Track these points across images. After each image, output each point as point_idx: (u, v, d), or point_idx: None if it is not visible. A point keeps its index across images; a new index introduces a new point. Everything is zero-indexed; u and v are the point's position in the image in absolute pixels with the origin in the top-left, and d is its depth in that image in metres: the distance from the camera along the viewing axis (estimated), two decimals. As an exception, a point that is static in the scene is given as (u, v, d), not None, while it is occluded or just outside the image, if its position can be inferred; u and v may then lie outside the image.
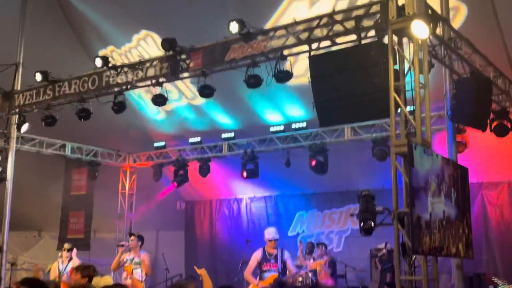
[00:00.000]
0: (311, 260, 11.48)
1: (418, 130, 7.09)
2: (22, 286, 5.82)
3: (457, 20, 9.33)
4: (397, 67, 6.93)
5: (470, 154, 9.97)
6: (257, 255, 9.01)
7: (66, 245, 10.83)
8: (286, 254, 8.90)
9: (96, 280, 6.11)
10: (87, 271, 6.18)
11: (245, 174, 12.67)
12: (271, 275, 8.72)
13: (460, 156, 8.83)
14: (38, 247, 15.98)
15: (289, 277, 8.58)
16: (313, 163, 11.58)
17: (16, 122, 11.10)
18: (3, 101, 10.97)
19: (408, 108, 7.67)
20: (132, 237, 10.06)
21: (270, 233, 9.11)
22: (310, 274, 11.01)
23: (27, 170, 13.20)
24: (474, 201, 10.98)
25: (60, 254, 10.87)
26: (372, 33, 7.31)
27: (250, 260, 9.04)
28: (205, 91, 8.81)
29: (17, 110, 10.87)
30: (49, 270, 10.60)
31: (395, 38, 6.89)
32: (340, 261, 11.78)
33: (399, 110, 7.68)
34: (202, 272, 5.99)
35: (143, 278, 9.47)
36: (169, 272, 13.61)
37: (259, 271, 8.91)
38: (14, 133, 11.56)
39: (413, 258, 7.05)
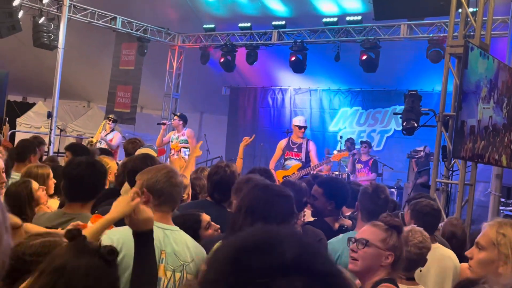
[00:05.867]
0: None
1: (477, 32, 6.75)
2: (67, 151, 6.10)
3: None
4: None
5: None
6: (281, 144, 8.92)
7: (111, 116, 11.16)
8: (311, 145, 8.74)
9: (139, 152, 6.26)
10: None
11: (293, 58, 12.37)
12: (294, 165, 8.64)
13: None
14: (86, 117, 16.56)
15: (313, 167, 8.49)
16: (364, 57, 11.24)
17: (69, -10, 11.06)
18: (56, -33, 10.88)
19: (471, 9, 7.27)
20: (175, 117, 10.27)
21: (300, 120, 9.01)
22: (347, 170, 11.10)
23: (78, 40, 13.37)
24: (525, 113, 10.60)
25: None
26: None
27: (276, 150, 9.03)
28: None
29: (69, -23, 10.78)
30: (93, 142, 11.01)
31: None
32: (378, 160, 11.79)
33: (460, 10, 7.29)
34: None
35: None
36: (210, 153, 14.00)
37: (283, 161, 8.90)
38: (66, 1, 11.58)
39: (452, 162, 7.00)
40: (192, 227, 3.20)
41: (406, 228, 3.08)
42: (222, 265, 0.82)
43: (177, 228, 2.78)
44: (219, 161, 4.48)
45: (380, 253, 2.57)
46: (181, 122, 10.07)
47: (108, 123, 10.67)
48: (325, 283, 0.77)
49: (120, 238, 2.52)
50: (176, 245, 2.68)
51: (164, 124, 10.56)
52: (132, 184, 2.97)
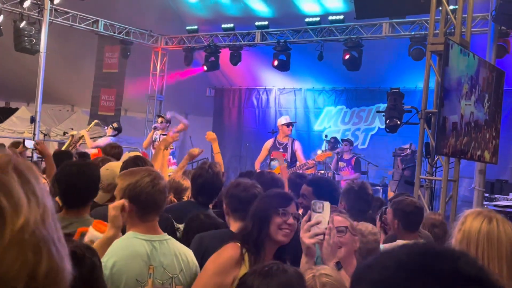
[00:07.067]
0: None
1: (457, 29, 6.83)
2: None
3: None
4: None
5: (510, 60, 9.60)
6: (267, 144, 9.02)
7: (114, 124, 10.94)
8: (297, 144, 8.83)
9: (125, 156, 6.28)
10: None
11: (276, 62, 12.44)
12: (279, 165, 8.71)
13: (499, 61, 8.52)
14: (70, 121, 16.44)
15: (299, 166, 8.54)
16: (347, 56, 11.31)
17: (49, -7, 10.99)
18: (36, -29, 10.80)
19: (451, 7, 7.35)
20: (160, 119, 10.22)
21: (286, 118, 9.11)
22: (332, 168, 11.13)
23: (60, 44, 13.28)
24: (507, 107, 10.72)
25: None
26: None
27: (262, 150, 9.10)
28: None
29: (50, -19, 10.71)
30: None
31: None
32: (363, 158, 11.85)
33: (440, 8, 7.37)
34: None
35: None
36: (196, 155, 13.96)
37: (269, 161, 8.97)
38: (47, 5, 11.50)
39: (436, 159, 7.06)
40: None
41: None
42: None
43: (166, 236, 2.70)
44: (202, 162, 4.48)
45: (354, 239, 2.73)
46: (167, 125, 10.06)
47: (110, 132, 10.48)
48: None
49: (110, 251, 2.53)
50: (164, 258, 2.61)
51: (156, 128, 10.38)
52: None
